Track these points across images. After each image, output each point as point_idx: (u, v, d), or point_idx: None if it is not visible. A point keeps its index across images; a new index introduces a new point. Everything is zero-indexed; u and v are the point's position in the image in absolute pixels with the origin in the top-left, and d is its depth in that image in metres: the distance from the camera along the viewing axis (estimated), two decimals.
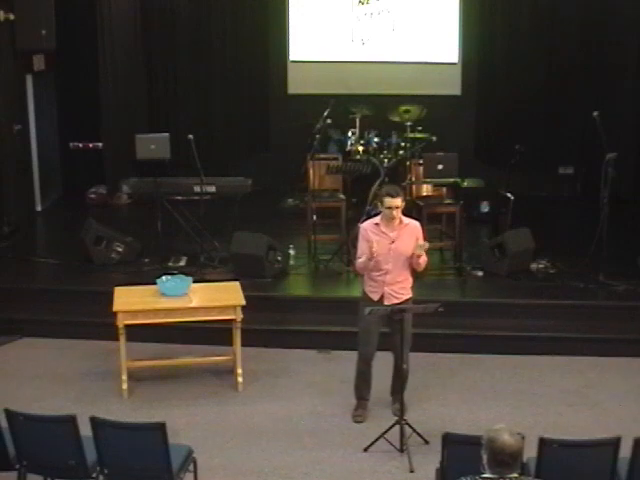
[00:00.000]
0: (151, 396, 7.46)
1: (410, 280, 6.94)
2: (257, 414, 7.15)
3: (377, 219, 6.88)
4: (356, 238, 7.17)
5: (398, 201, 6.68)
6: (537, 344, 8.26)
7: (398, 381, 6.96)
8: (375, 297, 6.87)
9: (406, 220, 6.87)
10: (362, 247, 6.81)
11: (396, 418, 6.61)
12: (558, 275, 9.17)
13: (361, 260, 6.82)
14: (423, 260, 6.80)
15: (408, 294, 6.91)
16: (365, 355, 7.00)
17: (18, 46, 10.77)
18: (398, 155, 11.11)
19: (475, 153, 12.76)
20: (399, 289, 6.85)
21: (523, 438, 4.15)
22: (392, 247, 6.75)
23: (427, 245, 6.81)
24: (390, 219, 6.73)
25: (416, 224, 6.92)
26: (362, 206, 9.91)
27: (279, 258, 9.31)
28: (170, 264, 9.40)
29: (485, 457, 4.08)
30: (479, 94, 12.87)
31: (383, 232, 6.78)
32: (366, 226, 6.89)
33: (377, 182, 10.45)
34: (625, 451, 5.07)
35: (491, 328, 8.42)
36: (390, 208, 6.68)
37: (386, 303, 6.80)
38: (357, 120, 11.59)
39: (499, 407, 7.25)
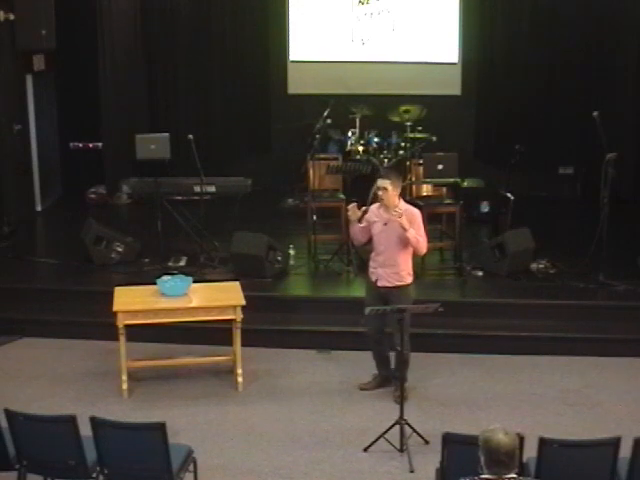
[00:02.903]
0: (151, 396, 7.45)
1: (405, 268, 7.10)
2: (257, 414, 7.15)
3: None
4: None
5: (386, 183, 6.97)
6: (537, 344, 8.26)
7: (397, 366, 7.12)
8: (373, 277, 7.20)
9: (404, 206, 7.07)
10: (363, 222, 7.31)
11: (396, 418, 6.61)
12: (558, 275, 9.17)
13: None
14: (412, 236, 6.95)
15: (401, 281, 7.09)
16: (369, 331, 7.29)
17: (18, 46, 10.78)
18: (398, 155, 11.11)
19: (475, 153, 12.76)
20: (391, 273, 7.08)
21: (521, 438, 4.15)
22: (384, 229, 7.02)
23: (400, 214, 6.89)
24: (381, 200, 7.04)
25: (414, 211, 7.11)
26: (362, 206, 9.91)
27: (279, 258, 9.31)
28: (170, 264, 9.39)
29: (482, 458, 4.10)
30: (479, 94, 12.88)
31: (380, 214, 7.11)
32: (372, 207, 7.29)
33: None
34: (625, 451, 5.07)
35: (491, 328, 8.42)
36: (378, 188, 7.02)
37: (379, 285, 7.10)
38: (357, 120, 11.60)
39: (499, 407, 7.25)
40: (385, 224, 7.04)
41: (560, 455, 5.00)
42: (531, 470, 5.07)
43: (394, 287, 7.07)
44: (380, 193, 7.01)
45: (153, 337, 8.18)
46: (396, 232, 6.99)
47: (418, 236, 7.02)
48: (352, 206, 7.16)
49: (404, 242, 7.01)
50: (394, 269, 7.07)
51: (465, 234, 9.62)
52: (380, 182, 7.01)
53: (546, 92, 12.42)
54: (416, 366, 7.48)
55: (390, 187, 6.95)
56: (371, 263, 7.24)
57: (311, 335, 8.46)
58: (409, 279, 7.15)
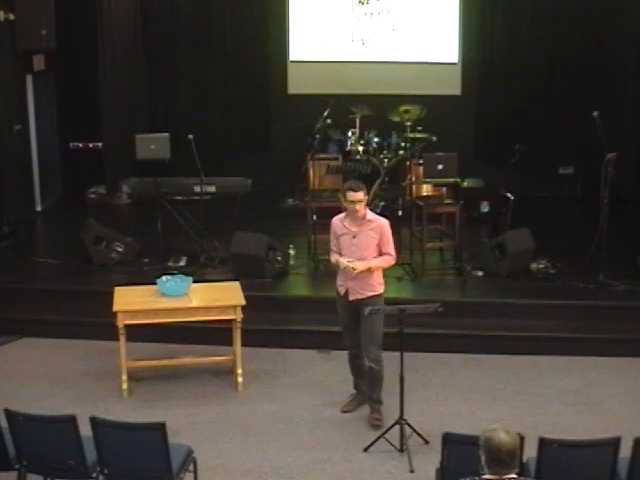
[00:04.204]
0: (151, 396, 7.46)
1: (377, 279, 6.89)
2: (257, 414, 7.15)
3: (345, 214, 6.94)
4: None
5: (360, 195, 6.71)
6: (537, 344, 8.26)
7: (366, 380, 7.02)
8: (342, 291, 6.95)
9: (372, 216, 6.88)
10: (332, 240, 7.00)
11: (396, 418, 6.60)
12: (558, 275, 9.17)
13: (332, 257, 6.97)
14: (378, 266, 6.81)
15: (373, 291, 6.85)
16: (347, 345, 7.13)
17: (18, 46, 10.78)
18: (398, 155, 11.13)
19: (475, 153, 12.76)
20: (363, 285, 6.83)
21: (521, 438, 4.15)
22: (354, 242, 6.80)
23: (356, 268, 6.70)
24: (353, 213, 6.78)
25: (382, 223, 6.85)
26: None
27: (279, 258, 9.31)
28: (170, 264, 9.40)
29: (483, 457, 4.09)
30: (479, 94, 12.88)
31: (347, 227, 6.85)
32: (335, 220, 6.99)
33: (377, 182, 10.47)
34: (625, 451, 5.07)
35: (491, 328, 8.42)
36: (353, 202, 6.73)
37: (350, 298, 6.87)
38: (357, 120, 11.61)
39: (499, 407, 7.25)
40: (354, 237, 6.80)
41: (560, 455, 5.00)
42: (531, 470, 5.08)
43: (366, 298, 6.82)
44: (357, 207, 6.71)
45: (153, 337, 8.19)
46: (366, 244, 6.78)
47: (386, 253, 6.80)
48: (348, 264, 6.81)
49: (374, 253, 6.79)
50: (366, 280, 6.82)
51: (465, 234, 9.61)
52: (354, 195, 6.69)
53: (546, 92, 12.42)
54: (416, 366, 7.48)
55: (364, 198, 6.75)
56: (340, 276, 6.92)
57: (311, 335, 8.46)
58: (380, 289, 6.91)
